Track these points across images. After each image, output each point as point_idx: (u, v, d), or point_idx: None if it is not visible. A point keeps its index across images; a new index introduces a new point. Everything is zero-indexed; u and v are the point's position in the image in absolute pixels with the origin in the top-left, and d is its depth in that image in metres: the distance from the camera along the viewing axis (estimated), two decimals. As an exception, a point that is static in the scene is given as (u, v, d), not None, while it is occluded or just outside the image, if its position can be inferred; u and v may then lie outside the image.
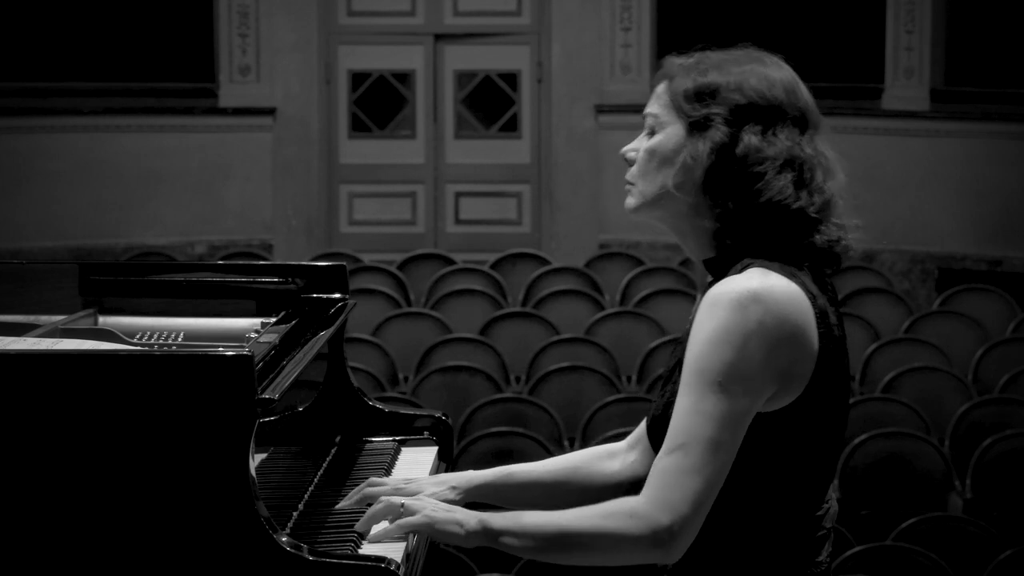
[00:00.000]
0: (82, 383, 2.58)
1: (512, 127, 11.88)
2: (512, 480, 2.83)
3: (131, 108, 11.40)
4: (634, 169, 2.58)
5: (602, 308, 9.00)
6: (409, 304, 9.34)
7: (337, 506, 2.83)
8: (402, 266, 10.15)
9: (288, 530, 2.72)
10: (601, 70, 11.59)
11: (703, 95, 2.52)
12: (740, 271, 2.45)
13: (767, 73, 2.53)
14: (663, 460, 2.40)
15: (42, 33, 11.42)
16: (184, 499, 2.55)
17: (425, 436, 3.45)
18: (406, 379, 7.98)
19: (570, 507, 2.86)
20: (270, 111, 11.55)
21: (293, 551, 2.52)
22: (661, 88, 2.58)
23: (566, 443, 6.88)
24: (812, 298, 2.43)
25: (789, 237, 2.47)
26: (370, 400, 3.50)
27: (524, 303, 9.37)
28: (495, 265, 10.20)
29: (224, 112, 11.54)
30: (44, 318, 3.43)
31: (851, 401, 7.07)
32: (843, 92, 11.17)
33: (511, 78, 11.86)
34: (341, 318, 3.40)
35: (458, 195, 11.88)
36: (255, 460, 2.58)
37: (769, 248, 2.46)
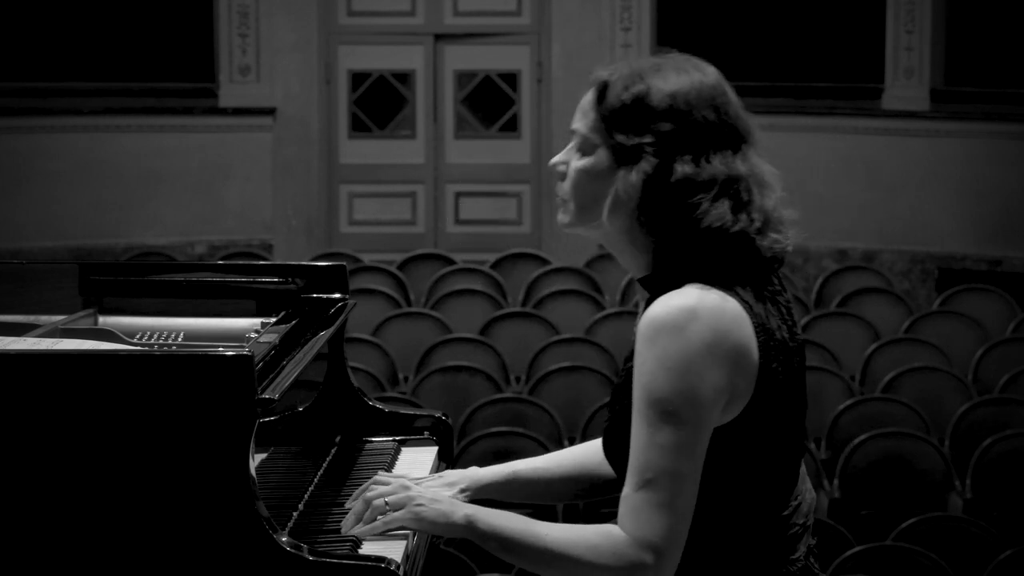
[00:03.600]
0: (82, 383, 2.58)
1: (512, 127, 11.87)
2: (518, 478, 2.85)
3: (131, 108, 11.39)
4: (566, 186, 2.56)
5: (602, 308, 9.00)
6: (409, 304, 9.33)
7: (345, 504, 2.83)
8: (402, 266, 10.15)
9: (288, 530, 2.72)
10: (601, 70, 11.57)
11: (630, 119, 2.49)
12: (675, 290, 2.43)
13: (695, 87, 2.48)
14: (633, 497, 2.39)
15: (42, 33, 11.42)
16: (184, 499, 2.55)
17: (425, 436, 3.44)
18: (406, 379, 7.98)
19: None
20: (270, 111, 11.55)
21: (293, 551, 2.52)
22: (588, 102, 2.57)
23: (566, 443, 6.87)
24: (748, 308, 2.43)
25: (730, 258, 2.45)
26: (370, 400, 3.49)
27: (524, 303, 9.37)
28: (495, 265, 10.20)
29: (224, 112, 11.54)
30: (44, 318, 3.43)
31: (850, 401, 7.14)
32: (843, 92, 11.17)
33: (511, 78, 11.85)
34: (341, 318, 3.40)
35: (458, 195, 11.87)
36: (255, 460, 2.58)
37: (709, 268, 2.44)
